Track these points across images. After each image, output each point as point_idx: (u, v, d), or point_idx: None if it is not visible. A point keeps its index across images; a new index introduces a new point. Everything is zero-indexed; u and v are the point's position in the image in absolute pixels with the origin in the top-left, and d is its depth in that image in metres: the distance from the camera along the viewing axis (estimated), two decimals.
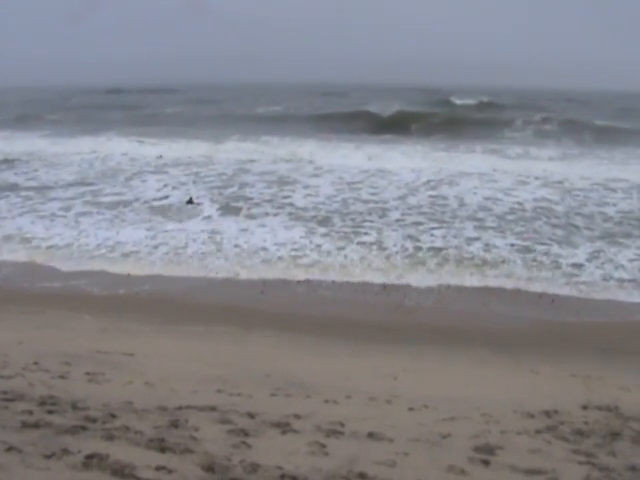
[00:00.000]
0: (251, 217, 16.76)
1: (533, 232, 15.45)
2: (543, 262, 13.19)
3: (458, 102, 50.92)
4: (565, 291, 11.80)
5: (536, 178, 22.11)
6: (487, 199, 19.02)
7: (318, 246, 14.09)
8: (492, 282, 12.12)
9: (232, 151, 27.62)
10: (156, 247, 14.12)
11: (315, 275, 12.40)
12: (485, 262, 13.18)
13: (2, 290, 11.31)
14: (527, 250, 13.95)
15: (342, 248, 13.95)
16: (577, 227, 15.98)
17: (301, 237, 14.68)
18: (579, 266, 13.03)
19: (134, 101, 58.34)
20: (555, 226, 16.02)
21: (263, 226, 15.69)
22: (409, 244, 14.24)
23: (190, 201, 18.78)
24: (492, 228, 15.78)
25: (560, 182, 21.48)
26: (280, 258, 13.40)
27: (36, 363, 6.84)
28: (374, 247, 14.06)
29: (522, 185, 21.07)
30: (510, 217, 16.90)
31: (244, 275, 12.52)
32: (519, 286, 11.95)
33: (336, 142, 30.12)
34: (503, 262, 13.17)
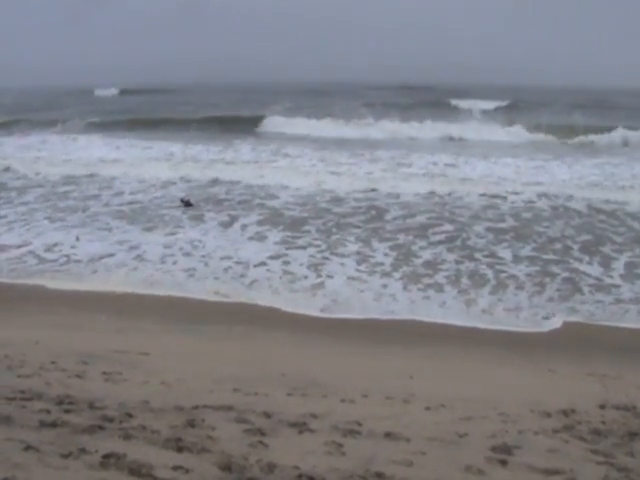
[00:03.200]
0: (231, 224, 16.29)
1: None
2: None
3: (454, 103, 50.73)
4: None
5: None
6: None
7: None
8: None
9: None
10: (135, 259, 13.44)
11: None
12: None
13: (18, 289, 11.37)
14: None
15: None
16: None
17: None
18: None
19: (130, 103, 58.98)
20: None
21: (252, 239, 15.03)
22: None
23: (187, 203, 18.06)
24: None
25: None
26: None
27: (53, 362, 6.87)
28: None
29: None
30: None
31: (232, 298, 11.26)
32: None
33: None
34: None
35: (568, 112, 38.50)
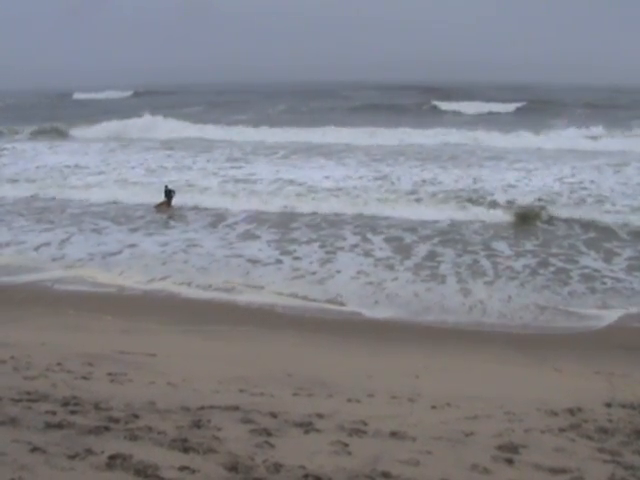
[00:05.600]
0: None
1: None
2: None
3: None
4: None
5: None
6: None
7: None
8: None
9: None
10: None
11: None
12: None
13: (25, 291, 11.39)
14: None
15: None
16: None
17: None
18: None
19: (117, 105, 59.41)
20: None
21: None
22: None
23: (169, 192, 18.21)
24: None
25: None
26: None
27: (59, 364, 6.89)
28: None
29: None
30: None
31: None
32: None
33: None
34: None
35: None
